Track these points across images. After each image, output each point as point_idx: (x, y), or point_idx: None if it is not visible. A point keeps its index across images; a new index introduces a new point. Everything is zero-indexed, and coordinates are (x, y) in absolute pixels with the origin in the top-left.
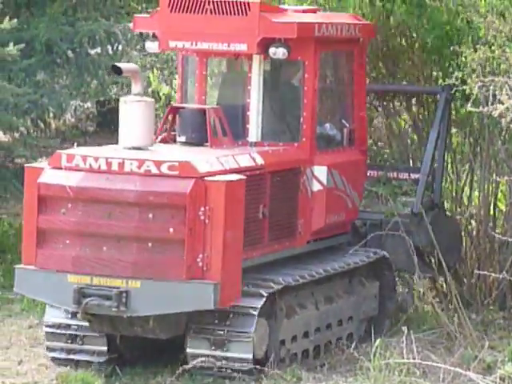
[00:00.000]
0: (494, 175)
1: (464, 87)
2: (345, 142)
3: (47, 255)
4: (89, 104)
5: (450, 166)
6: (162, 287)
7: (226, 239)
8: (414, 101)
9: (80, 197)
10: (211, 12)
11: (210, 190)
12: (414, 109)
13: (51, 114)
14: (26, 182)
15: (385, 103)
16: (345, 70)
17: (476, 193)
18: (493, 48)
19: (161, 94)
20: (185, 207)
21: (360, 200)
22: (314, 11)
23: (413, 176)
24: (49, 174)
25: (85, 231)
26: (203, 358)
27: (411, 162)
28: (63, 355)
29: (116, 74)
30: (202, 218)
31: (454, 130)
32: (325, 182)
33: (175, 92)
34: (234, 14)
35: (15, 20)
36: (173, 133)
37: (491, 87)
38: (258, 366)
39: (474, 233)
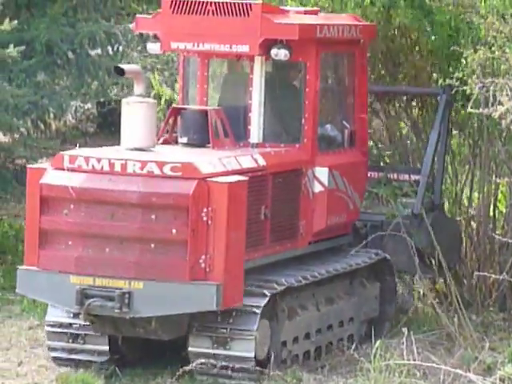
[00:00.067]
0: (494, 176)
1: (464, 88)
2: (346, 144)
3: (50, 256)
4: (89, 105)
5: (450, 167)
6: (165, 288)
7: (229, 240)
8: (413, 102)
9: (83, 198)
10: (213, 13)
11: (212, 191)
12: (414, 110)
13: (51, 115)
14: (28, 183)
15: (385, 105)
16: (346, 71)
17: (476, 194)
18: (493, 49)
19: (163, 99)
20: (187, 208)
21: (361, 201)
22: (315, 12)
23: (413, 177)
24: (51, 174)
25: (87, 232)
26: (204, 360)
27: (411, 163)
28: (64, 355)
29: (119, 75)
30: (205, 219)
31: (454, 132)
32: (326, 183)
33: (177, 95)
34: (236, 15)
35: (15, 21)
36: (174, 134)
37: (491, 88)
38: (258, 368)
39: (474, 234)
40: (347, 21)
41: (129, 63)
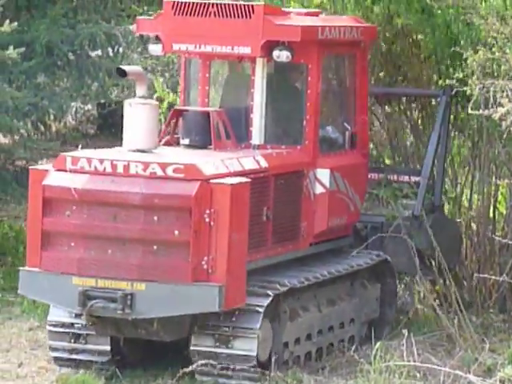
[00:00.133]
0: (494, 178)
1: (465, 88)
2: (347, 145)
3: (52, 257)
4: (89, 106)
5: (450, 168)
6: (167, 289)
7: (231, 242)
8: (413, 104)
9: (85, 199)
10: (215, 15)
11: (215, 193)
12: (414, 112)
13: (51, 117)
14: (30, 184)
15: (385, 107)
16: (347, 72)
17: (476, 196)
18: (493, 49)
19: (165, 102)
20: (190, 210)
21: (362, 203)
22: (316, 14)
23: (413, 179)
24: (54, 176)
25: (90, 233)
26: (205, 359)
27: (411, 164)
28: (66, 355)
29: (121, 77)
30: (207, 220)
31: (454, 133)
32: (327, 184)
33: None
34: (238, 16)
35: (15, 23)
36: (176, 135)
37: (491, 88)
38: (260, 369)
39: (475, 235)
40: (348, 22)
41: (129, 65)
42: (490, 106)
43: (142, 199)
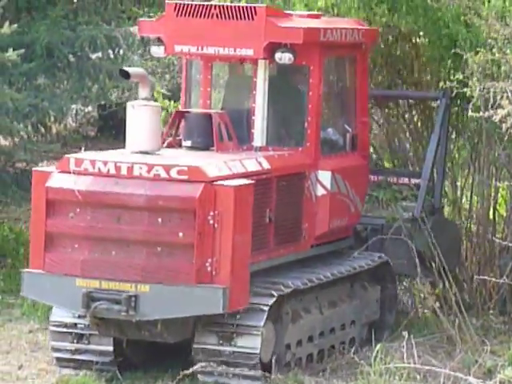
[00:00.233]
0: (494, 180)
1: (465, 90)
2: (347, 147)
3: (55, 259)
4: (90, 108)
5: (449, 170)
6: (171, 291)
7: (235, 243)
8: (413, 106)
9: (89, 201)
10: (217, 16)
11: (219, 195)
12: (414, 114)
13: (52, 118)
14: (33, 186)
15: (385, 109)
16: (348, 75)
17: (476, 197)
18: (493, 50)
19: (163, 113)
20: (194, 211)
21: (362, 205)
22: (317, 16)
23: (413, 181)
24: (57, 178)
25: (93, 235)
26: (208, 356)
27: (410, 166)
28: (68, 355)
29: (124, 79)
30: (211, 222)
31: (453, 135)
32: (329, 186)
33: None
34: (240, 18)
35: (15, 25)
36: (178, 137)
37: (492, 89)
38: (262, 372)
39: (475, 237)
40: (350, 25)
41: (130, 66)
42: (489, 107)
43: (146, 201)
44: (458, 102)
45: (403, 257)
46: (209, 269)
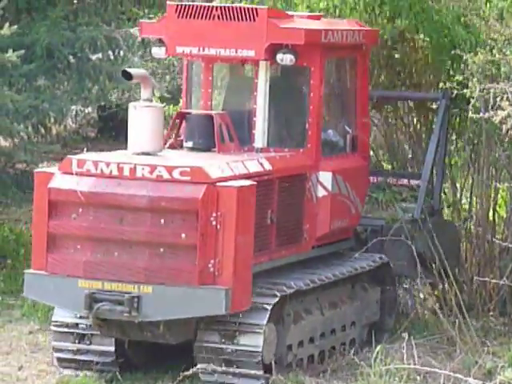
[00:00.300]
0: (494, 181)
1: (465, 91)
2: (348, 148)
3: (58, 260)
4: (90, 109)
5: (449, 172)
6: (174, 292)
7: (238, 245)
8: (411, 107)
9: (91, 202)
10: (219, 18)
11: (221, 196)
12: (412, 116)
13: (52, 120)
14: (35, 187)
15: (385, 112)
16: (348, 76)
17: (476, 199)
18: (494, 51)
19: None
20: (197, 213)
21: (362, 206)
22: (318, 17)
23: (412, 182)
24: (59, 179)
25: (96, 236)
26: (208, 362)
27: (409, 168)
28: (70, 356)
29: (126, 80)
30: (214, 223)
31: (453, 136)
32: (329, 187)
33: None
34: (242, 19)
35: (15, 26)
36: (179, 138)
37: (492, 90)
38: (263, 373)
39: (474, 239)
40: (350, 26)
41: (130, 68)
42: (489, 108)
43: (149, 202)
44: (458, 103)
45: (403, 258)
46: (211, 270)
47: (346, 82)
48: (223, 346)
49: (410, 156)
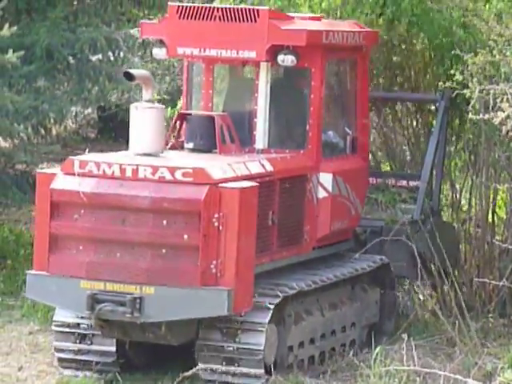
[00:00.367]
0: (493, 182)
1: (465, 91)
2: (348, 149)
3: (60, 261)
4: (89, 110)
5: (448, 173)
6: (176, 293)
7: (240, 246)
8: (409, 109)
9: (94, 203)
10: (220, 19)
11: (224, 197)
12: (411, 117)
13: (52, 120)
14: (37, 188)
15: (387, 112)
16: (348, 77)
17: (475, 200)
18: (494, 52)
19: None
20: (199, 214)
21: (362, 207)
22: (318, 19)
23: (411, 183)
24: (61, 179)
25: (98, 237)
26: (204, 366)
27: (407, 169)
28: (71, 356)
29: (128, 81)
30: (216, 224)
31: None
32: (330, 189)
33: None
34: (243, 21)
35: (15, 27)
36: (180, 139)
37: (491, 91)
38: (263, 371)
39: (474, 240)
40: (350, 27)
41: (130, 69)
42: (489, 110)
43: (151, 203)
44: (458, 103)
45: (403, 259)
46: (214, 271)
47: (346, 83)
48: (225, 345)
49: (409, 158)
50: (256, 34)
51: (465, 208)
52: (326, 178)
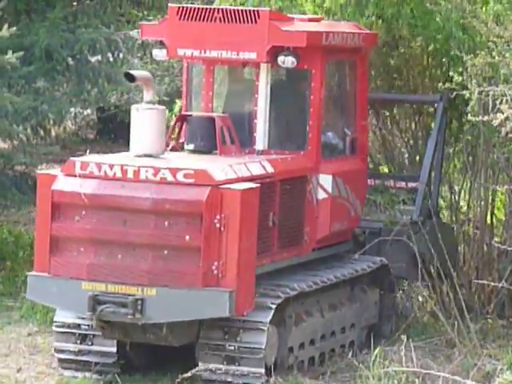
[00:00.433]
0: (491, 184)
1: (464, 92)
2: (347, 151)
3: (61, 263)
4: (89, 111)
5: (447, 174)
6: (178, 295)
7: (241, 247)
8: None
9: (95, 204)
10: (220, 20)
11: (225, 198)
12: (410, 119)
13: (51, 121)
14: (38, 189)
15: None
16: (347, 78)
17: (474, 202)
18: (493, 54)
19: None
20: (201, 215)
21: (362, 208)
22: (318, 20)
23: (410, 185)
24: (62, 181)
25: (100, 239)
26: (203, 367)
27: (405, 170)
28: (71, 356)
29: (129, 82)
30: (218, 225)
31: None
32: (330, 190)
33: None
34: (244, 22)
35: (14, 28)
36: (180, 141)
37: (491, 93)
38: (264, 370)
39: (473, 241)
40: (350, 29)
41: (129, 70)
42: (488, 111)
43: (153, 204)
44: (457, 104)
45: (401, 260)
46: (215, 272)
47: (345, 84)
48: (226, 344)
49: (407, 160)
50: (256, 35)
51: (464, 209)
52: (325, 179)
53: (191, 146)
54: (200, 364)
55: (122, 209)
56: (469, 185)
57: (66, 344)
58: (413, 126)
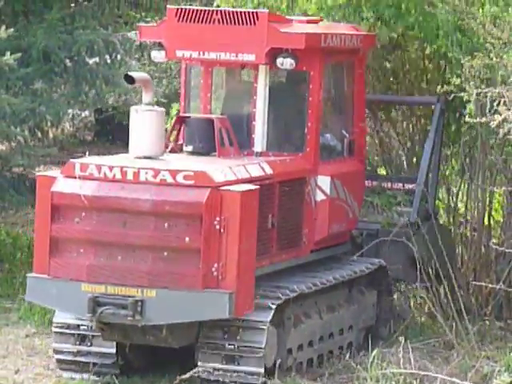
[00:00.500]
0: (489, 185)
1: (461, 94)
2: (345, 152)
3: (61, 264)
4: (86, 113)
5: (444, 176)
6: (178, 296)
7: (241, 249)
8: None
9: (95, 206)
10: (219, 22)
11: (225, 200)
12: (407, 121)
13: (49, 123)
14: (38, 191)
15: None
16: (345, 80)
17: (471, 203)
18: (491, 55)
19: None
20: (201, 217)
21: (359, 210)
22: (316, 22)
23: (407, 186)
24: (62, 182)
25: (99, 240)
26: (201, 369)
27: (402, 172)
28: (70, 357)
29: (128, 83)
30: (218, 227)
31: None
32: (328, 191)
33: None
34: (242, 23)
35: (12, 29)
36: (179, 142)
37: (489, 94)
38: (264, 378)
39: (470, 243)
40: (347, 30)
41: (127, 71)
42: (486, 113)
43: (153, 206)
44: (454, 107)
45: (399, 262)
46: (215, 274)
47: (343, 86)
48: (226, 343)
49: (405, 163)
50: (255, 36)
51: (461, 211)
52: (324, 181)
53: (190, 148)
54: (199, 363)
55: (122, 210)
56: (466, 186)
57: (65, 345)
58: (410, 127)
